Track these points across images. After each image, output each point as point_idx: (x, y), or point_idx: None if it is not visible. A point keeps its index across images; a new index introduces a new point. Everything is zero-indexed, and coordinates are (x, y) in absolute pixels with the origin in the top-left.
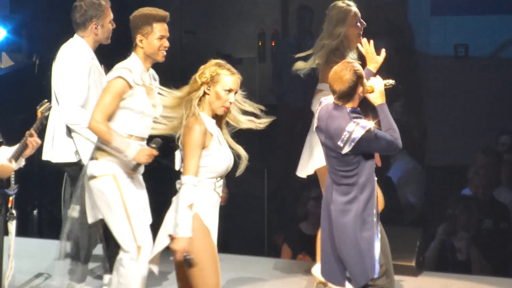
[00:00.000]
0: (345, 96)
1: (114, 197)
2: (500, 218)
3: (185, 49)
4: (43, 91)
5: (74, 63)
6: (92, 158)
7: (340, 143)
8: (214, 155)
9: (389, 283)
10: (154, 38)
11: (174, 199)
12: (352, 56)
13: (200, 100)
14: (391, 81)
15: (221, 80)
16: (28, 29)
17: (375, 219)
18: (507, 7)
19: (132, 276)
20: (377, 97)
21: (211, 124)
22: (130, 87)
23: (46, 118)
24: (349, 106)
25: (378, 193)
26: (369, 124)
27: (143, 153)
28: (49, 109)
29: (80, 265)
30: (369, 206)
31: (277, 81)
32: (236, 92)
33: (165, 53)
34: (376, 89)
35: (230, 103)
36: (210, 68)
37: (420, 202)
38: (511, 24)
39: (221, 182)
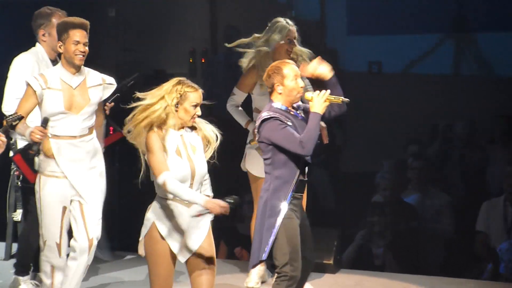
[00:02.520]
0: (266, 85)
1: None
2: (409, 218)
3: (122, 65)
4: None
5: (19, 62)
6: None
7: (256, 130)
8: (169, 160)
9: (292, 271)
10: (70, 43)
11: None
12: None
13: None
14: (341, 98)
15: (188, 97)
16: None
17: (281, 209)
18: (416, 28)
19: (79, 267)
20: (312, 106)
21: (173, 136)
22: (35, 91)
23: (13, 127)
24: (275, 101)
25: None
26: (281, 115)
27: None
28: (19, 119)
29: (25, 262)
30: (278, 196)
31: (208, 95)
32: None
33: (81, 57)
34: (315, 99)
35: (198, 115)
36: (175, 88)
37: (338, 206)
38: (420, 43)
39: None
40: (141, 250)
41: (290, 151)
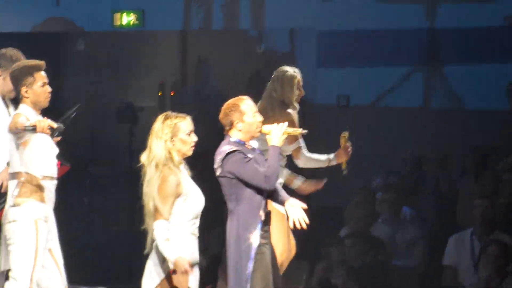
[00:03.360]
0: (223, 123)
1: (30, 242)
2: (377, 252)
3: (91, 98)
4: None
5: None
6: (13, 205)
7: (215, 165)
8: (189, 197)
9: None
10: (38, 86)
11: (155, 245)
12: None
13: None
14: (299, 130)
15: (181, 126)
16: None
17: (253, 242)
18: (386, 61)
19: None
20: (269, 139)
21: (184, 176)
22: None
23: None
24: (233, 136)
25: (290, 238)
26: (243, 149)
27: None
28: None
29: None
30: (249, 230)
31: None
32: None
33: (49, 98)
34: (272, 132)
35: (195, 142)
36: (167, 122)
37: (307, 240)
38: (389, 76)
39: (197, 223)
40: None
41: (254, 185)
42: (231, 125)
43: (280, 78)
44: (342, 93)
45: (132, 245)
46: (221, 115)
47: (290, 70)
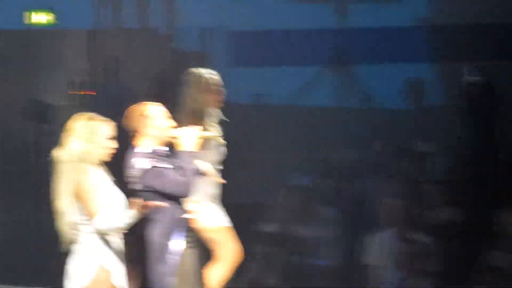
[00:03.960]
0: (130, 129)
1: None
2: (306, 253)
3: None
4: None
5: None
6: None
7: (130, 179)
8: (108, 199)
9: None
10: None
11: (76, 247)
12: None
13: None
14: (212, 134)
15: (101, 131)
16: None
17: (173, 248)
18: (298, 60)
19: None
20: (177, 144)
21: (97, 171)
22: None
23: None
24: (142, 144)
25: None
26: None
27: None
28: None
29: None
30: (168, 237)
31: None
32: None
33: None
34: (182, 137)
35: (114, 148)
36: (87, 124)
37: None
38: (300, 75)
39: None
40: None
41: (176, 195)
42: (138, 131)
43: (195, 82)
44: (256, 92)
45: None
46: (127, 121)
47: (205, 73)
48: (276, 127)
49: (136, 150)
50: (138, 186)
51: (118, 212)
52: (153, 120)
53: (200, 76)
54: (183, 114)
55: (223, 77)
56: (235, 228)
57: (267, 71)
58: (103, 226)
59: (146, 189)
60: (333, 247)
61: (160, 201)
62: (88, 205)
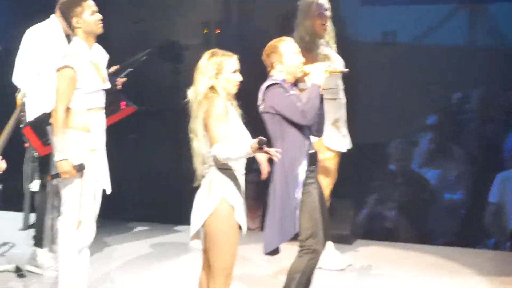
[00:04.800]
0: (266, 65)
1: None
2: (421, 189)
3: (134, 37)
4: (6, 76)
5: (32, 34)
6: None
7: (258, 102)
8: (233, 134)
9: (315, 244)
10: (88, 15)
11: (204, 181)
12: (323, 44)
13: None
14: (339, 68)
15: (226, 65)
16: None
17: (300, 179)
18: None
19: (67, 244)
20: (311, 78)
21: (228, 104)
22: (75, 71)
23: (24, 104)
24: (275, 76)
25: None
26: (285, 85)
27: (67, 168)
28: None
29: (42, 233)
30: (295, 167)
31: None
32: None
33: (101, 24)
34: (313, 72)
35: (239, 81)
36: (213, 58)
37: (353, 177)
38: (433, 14)
39: (243, 163)
40: (195, 234)
41: (292, 120)
42: (272, 66)
43: (301, 8)
44: (387, 30)
45: (179, 182)
46: (263, 56)
47: None
48: (405, 66)
49: (268, 78)
50: (261, 107)
51: (238, 144)
52: (284, 56)
53: (308, 2)
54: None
55: (355, 15)
56: (364, 167)
57: (400, 9)
58: (219, 154)
59: (267, 110)
60: (459, 185)
61: (281, 127)
62: (210, 134)
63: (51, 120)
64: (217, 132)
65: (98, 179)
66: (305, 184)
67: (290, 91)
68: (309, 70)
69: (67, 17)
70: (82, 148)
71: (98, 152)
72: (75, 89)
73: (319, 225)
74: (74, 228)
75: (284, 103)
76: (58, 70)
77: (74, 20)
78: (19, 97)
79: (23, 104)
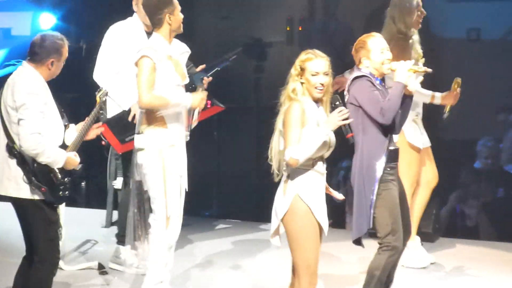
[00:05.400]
0: (354, 60)
1: (157, 171)
2: (509, 187)
3: (220, 33)
4: (89, 73)
5: (114, 31)
6: (138, 132)
7: (345, 92)
8: (304, 135)
9: (394, 240)
10: (178, 13)
11: (282, 179)
12: (415, 38)
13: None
14: (423, 68)
15: (308, 66)
16: (76, 16)
17: (378, 173)
18: None
19: (158, 242)
20: (395, 76)
21: (310, 106)
22: (154, 62)
23: (104, 103)
24: (362, 69)
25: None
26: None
27: (198, 97)
28: (106, 94)
29: (125, 231)
30: (373, 162)
31: None
32: (328, 74)
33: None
34: (398, 70)
35: (322, 84)
36: (298, 59)
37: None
38: None
39: (321, 162)
40: (275, 231)
41: (371, 116)
42: (360, 61)
43: (401, 3)
44: (472, 27)
45: (261, 179)
46: (352, 51)
47: None
48: (490, 63)
49: (355, 71)
50: (347, 97)
51: (306, 147)
52: (372, 52)
53: None
54: (385, 38)
55: (440, 12)
56: (452, 164)
57: (486, 5)
58: (288, 159)
59: (351, 101)
60: None
61: (363, 120)
62: (284, 137)
63: (144, 111)
64: (289, 138)
65: (183, 174)
66: (384, 180)
67: (377, 86)
68: (393, 67)
69: (157, 12)
70: (161, 144)
71: (176, 147)
72: (155, 80)
73: (398, 222)
74: (164, 226)
75: (367, 96)
76: (138, 60)
77: (167, 17)
78: (99, 95)
79: (103, 102)
